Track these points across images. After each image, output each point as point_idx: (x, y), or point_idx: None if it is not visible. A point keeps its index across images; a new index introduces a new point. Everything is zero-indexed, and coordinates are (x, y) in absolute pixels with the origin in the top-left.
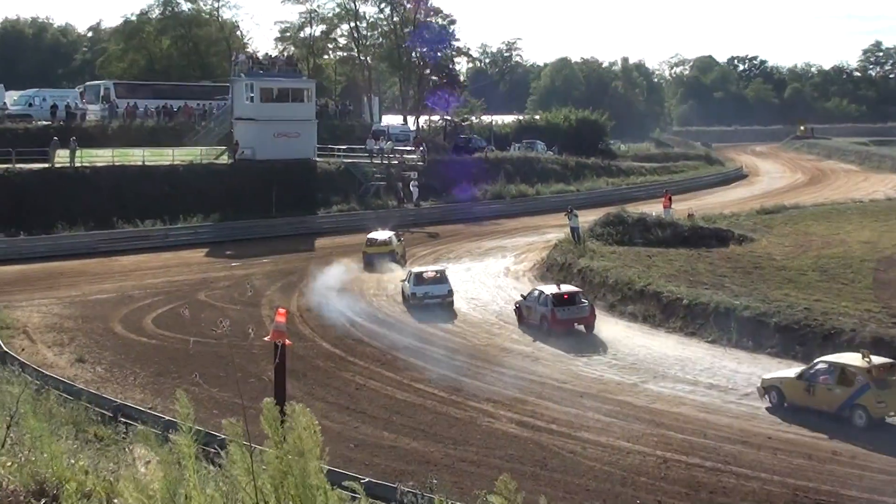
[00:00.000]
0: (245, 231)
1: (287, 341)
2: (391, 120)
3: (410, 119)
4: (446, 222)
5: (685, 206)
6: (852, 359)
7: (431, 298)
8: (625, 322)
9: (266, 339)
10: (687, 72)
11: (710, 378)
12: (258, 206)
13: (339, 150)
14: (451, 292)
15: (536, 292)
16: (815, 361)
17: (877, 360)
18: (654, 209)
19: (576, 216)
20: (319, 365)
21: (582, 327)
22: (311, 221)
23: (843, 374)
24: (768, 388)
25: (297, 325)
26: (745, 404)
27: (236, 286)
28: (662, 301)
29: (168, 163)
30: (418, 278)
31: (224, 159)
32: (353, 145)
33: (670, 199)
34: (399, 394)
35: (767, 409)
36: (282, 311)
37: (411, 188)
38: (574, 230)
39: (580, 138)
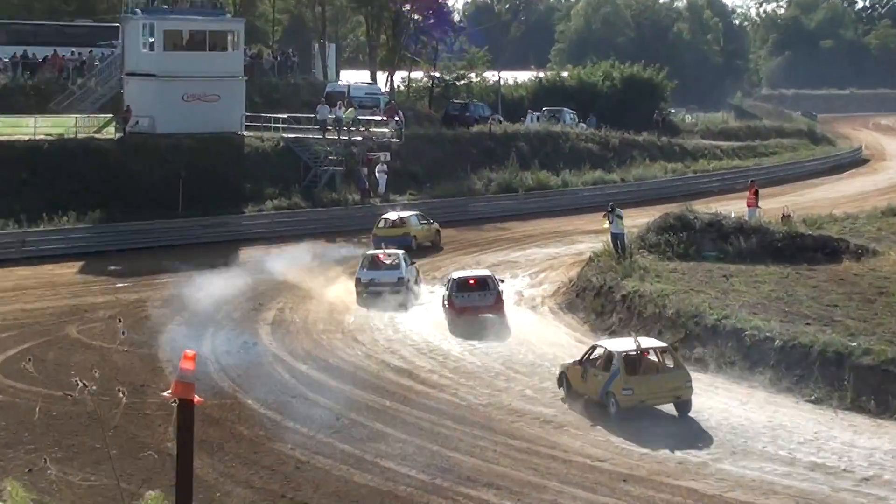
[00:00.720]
0: (137, 237)
1: (196, 398)
2: (354, 77)
3: (381, 77)
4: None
5: (779, 204)
6: (625, 342)
7: (377, 286)
8: (691, 372)
9: (166, 394)
10: (782, 10)
11: (813, 455)
12: (158, 200)
13: (277, 120)
14: (401, 280)
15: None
16: (592, 345)
17: (646, 342)
18: (733, 208)
19: (620, 218)
20: (243, 433)
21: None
22: (234, 223)
23: (607, 357)
24: (560, 375)
25: (213, 374)
26: (864, 493)
27: (125, 317)
28: (745, 342)
29: (27, 138)
30: (372, 262)
31: (109, 133)
32: (299, 114)
33: (757, 193)
34: (358, 476)
35: (562, 399)
36: (189, 353)
37: (377, 175)
38: (617, 237)
39: (627, 105)
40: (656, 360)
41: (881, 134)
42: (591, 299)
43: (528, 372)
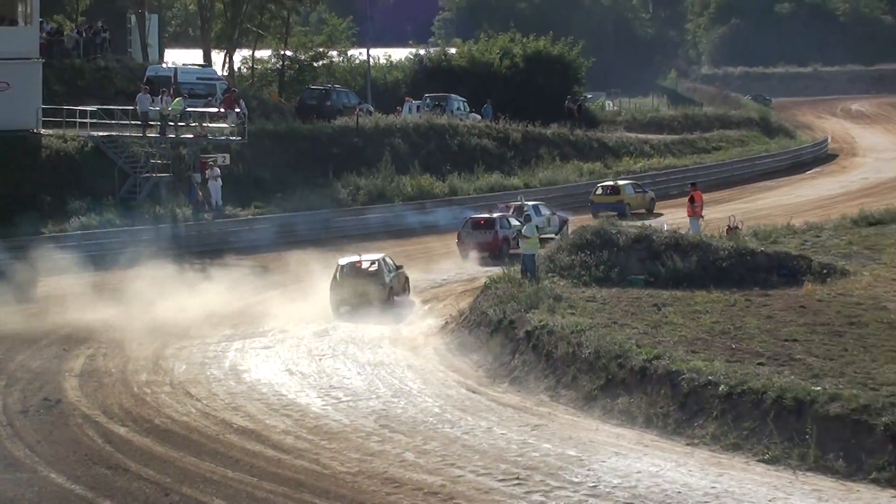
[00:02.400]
0: None
1: None
2: (182, 58)
3: (217, 57)
4: (282, 244)
5: (724, 213)
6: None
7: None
8: (612, 426)
9: None
10: None
11: None
12: None
13: (84, 114)
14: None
15: None
16: None
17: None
18: (667, 219)
19: (534, 232)
20: None
21: None
22: (28, 247)
23: None
24: None
25: (3, 440)
26: None
27: None
28: (681, 388)
29: None
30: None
31: None
32: (112, 105)
33: (700, 199)
34: None
35: None
36: None
37: (209, 182)
38: (528, 260)
39: (532, 90)
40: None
41: (852, 122)
42: (487, 337)
43: (407, 431)
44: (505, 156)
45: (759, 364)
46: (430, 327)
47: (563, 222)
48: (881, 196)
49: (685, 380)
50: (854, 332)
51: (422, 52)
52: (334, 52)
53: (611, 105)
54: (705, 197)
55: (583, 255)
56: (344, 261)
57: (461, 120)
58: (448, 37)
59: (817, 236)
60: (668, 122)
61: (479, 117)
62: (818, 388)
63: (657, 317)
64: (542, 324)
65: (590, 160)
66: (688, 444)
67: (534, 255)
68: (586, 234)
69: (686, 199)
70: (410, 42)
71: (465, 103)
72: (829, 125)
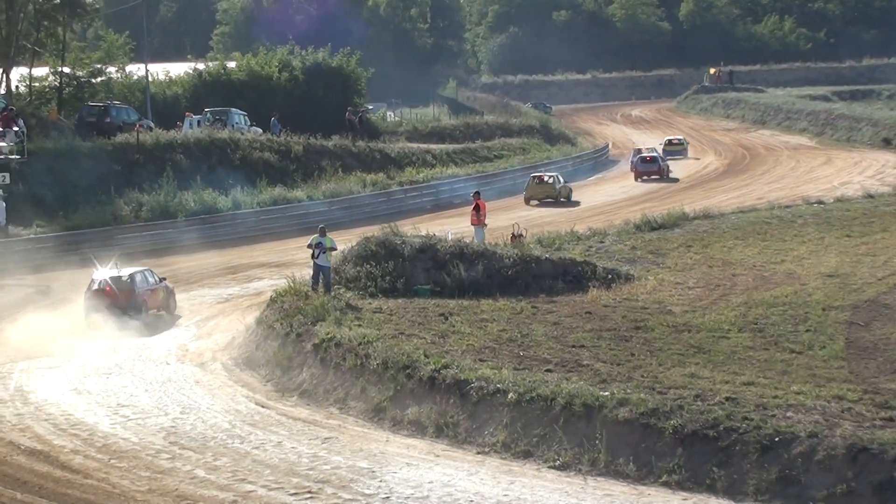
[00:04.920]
0: None
1: None
2: None
3: None
4: (65, 264)
5: (508, 221)
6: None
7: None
8: (402, 437)
9: None
10: None
11: None
12: None
13: None
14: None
15: None
16: None
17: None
18: (452, 228)
19: (331, 246)
20: None
21: None
22: None
23: None
24: None
25: None
26: None
27: None
28: (470, 397)
29: None
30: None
31: None
32: None
33: (484, 207)
34: None
35: None
36: None
37: None
38: (321, 271)
39: (313, 103)
40: None
41: (632, 128)
42: (274, 351)
43: (197, 447)
44: (287, 169)
45: (548, 371)
46: (217, 342)
47: None
48: (663, 200)
49: (474, 388)
50: (640, 336)
51: (201, 66)
52: (112, 69)
53: (392, 116)
54: (490, 205)
55: (368, 266)
56: (98, 273)
57: (242, 134)
58: (227, 50)
59: (601, 242)
60: (449, 131)
61: (260, 131)
62: (606, 394)
63: (444, 326)
64: (329, 336)
65: (373, 171)
66: (479, 453)
67: (329, 266)
68: (371, 244)
69: (470, 208)
70: (189, 56)
71: (246, 117)
72: (610, 131)
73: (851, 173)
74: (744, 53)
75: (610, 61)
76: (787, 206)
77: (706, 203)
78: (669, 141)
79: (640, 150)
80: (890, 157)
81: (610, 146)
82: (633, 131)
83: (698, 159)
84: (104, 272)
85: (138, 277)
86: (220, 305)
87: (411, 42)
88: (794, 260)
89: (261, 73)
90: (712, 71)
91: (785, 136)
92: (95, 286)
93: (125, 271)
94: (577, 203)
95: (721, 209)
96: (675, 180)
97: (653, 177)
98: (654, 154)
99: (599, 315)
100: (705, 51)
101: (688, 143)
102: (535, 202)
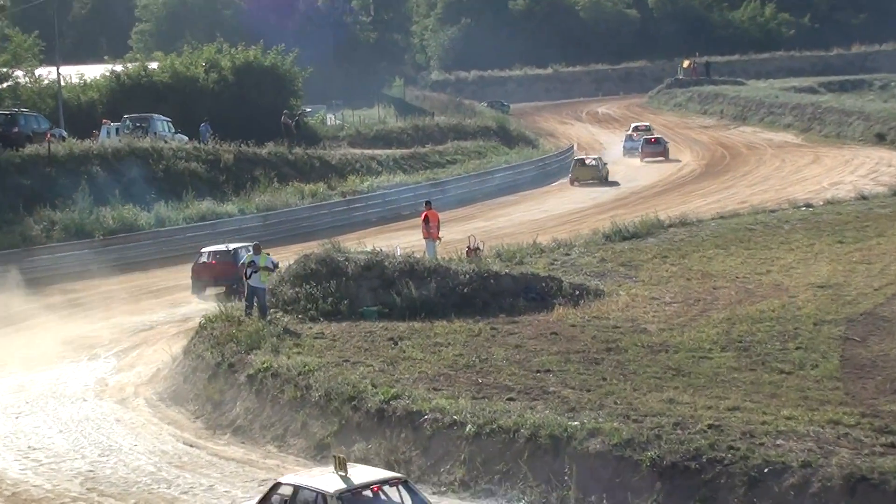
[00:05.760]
0: None
1: None
2: None
3: None
4: None
5: (463, 234)
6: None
7: None
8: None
9: None
10: None
11: None
12: None
13: None
14: None
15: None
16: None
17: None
18: (400, 242)
19: (271, 265)
20: None
21: None
22: None
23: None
24: None
25: None
26: None
27: None
28: (423, 430)
29: None
30: None
31: None
32: None
33: (435, 219)
34: None
35: None
36: None
37: None
38: (255, 293)
39: (244, 106)
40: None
41: (599, 127)
42: (204, 384)
43: (119, 493)
44: (217, 180)
45: (510, 399)
46: (140, 375)
47: None
48: (634, 207)
49: (428, 421)
50: (612, 358)
51: (118, 67)
52: (20, 72)
53: (333, 119)
54: (444, 216)
55: (308, 286)
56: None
57: (166, 142)
58: (148, 50)
59: (567, 254)
60: (396, 134)
61: (185, 138)
62: (576, 423)
63: (394, 352)
64: (265, 366)
65: (311, 181)
66: (434, 493)
67: (265, 287)
68: (310, 262)
69: (420, 220)
70: (106, 57)
71: (170, 123)
72: (575, 131)
73: (842, 172)
74: (721, 42)
75: (573, 54)
76: (772, 211)
77: (683, 209)
78: (636, 128)
79: (631, 135)
80: (884, 153)
81: (576, 147)
82: (600, 130)
83: (679, 161)
84: (211, 247)
85: (241, 252)
86: (144, 334)
87: (353, 37)
88: (782, 270)
89: (186, 75)
90: (686, 63)
91: (768, 132)
92: (203, 258)
93: (231, 246)
94: (616, 183)
95: (699, 215)
96: (617, 183)
97: (658, 158)
98: (659, 136)
99: (566, 336)
100: (678, 40)
101: (667, 143)
102: (578, 183)
